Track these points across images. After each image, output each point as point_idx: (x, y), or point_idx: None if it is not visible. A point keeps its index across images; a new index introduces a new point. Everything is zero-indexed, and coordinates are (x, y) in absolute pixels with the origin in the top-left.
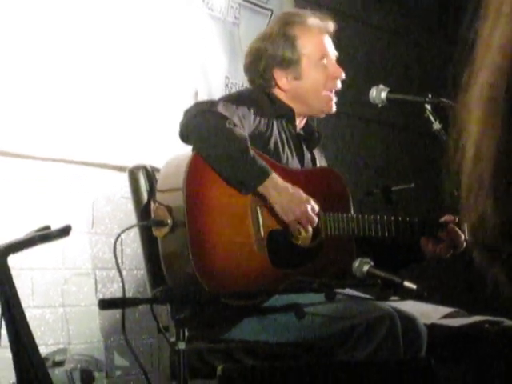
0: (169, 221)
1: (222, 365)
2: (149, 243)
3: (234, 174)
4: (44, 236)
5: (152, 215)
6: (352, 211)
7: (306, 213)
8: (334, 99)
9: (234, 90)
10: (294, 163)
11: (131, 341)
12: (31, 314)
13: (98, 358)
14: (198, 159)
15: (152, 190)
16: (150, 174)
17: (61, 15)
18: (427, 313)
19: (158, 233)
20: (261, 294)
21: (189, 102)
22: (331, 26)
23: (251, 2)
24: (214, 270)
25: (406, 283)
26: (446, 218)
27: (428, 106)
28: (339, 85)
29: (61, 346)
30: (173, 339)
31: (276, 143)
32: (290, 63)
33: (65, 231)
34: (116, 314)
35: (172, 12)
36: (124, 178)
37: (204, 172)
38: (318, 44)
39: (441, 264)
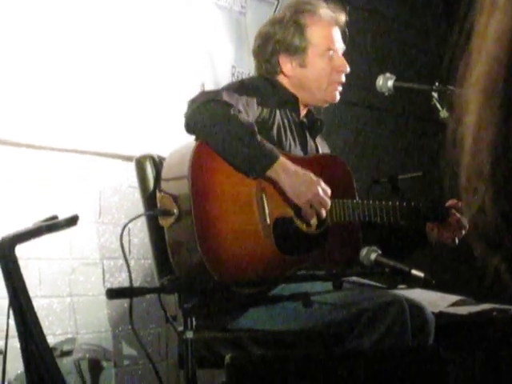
0: (175, 210)
1: (230, 354)
2: (156, 232)
3: (243, 158)
4: (51, 226)
5: (158, 205)
6: (357, 197)
7: (318, 195)
8: (339, 89)
9: (237, 79)
10: (297, 151)
11: (139, 330)
12: (39, 304)
13: (106, 348)
14: (202, 148)
15: (159, 180)
16: (157, 164)
17: (70, 4)
18: (435, 301)
19: (165, 222)
20: (267, 282)
21: (195, 92)
22: (342, 18)
23: None
24: (221, 259)
25: (414, 271)
26: (450, 202)
27: (435, 94)
28: (343, 78)
29: (69, 336)
30: (180, 328)
31: (279, 130)
32: (296, 50)
33: (72, 221)
34: (124, 303)
35: (179, 1)
36: (131, 167)
37: (209, 160)
38: (327, 35)
39: (448, 252)
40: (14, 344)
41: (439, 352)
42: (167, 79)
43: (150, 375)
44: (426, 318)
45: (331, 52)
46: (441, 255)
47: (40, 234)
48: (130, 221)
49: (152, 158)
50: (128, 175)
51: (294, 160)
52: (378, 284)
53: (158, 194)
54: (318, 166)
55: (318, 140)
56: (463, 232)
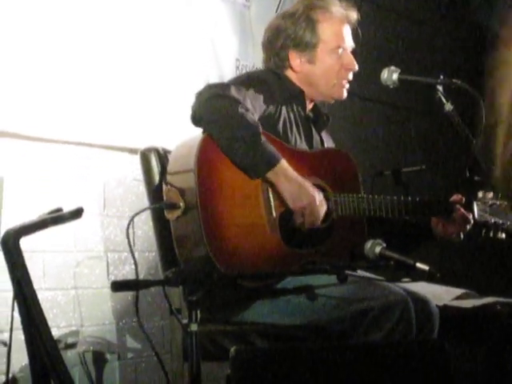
0: (181, 203)
1: (235, 347)
2: (161, 225)
3: (245, 158)
4: (56, 218)
5: (164, 198)
6: (362, 191)
7: (313, 204)
8: (346, 86)
9: (244, 72)
10: (303, 145)
11: (143, 323)
12: (43, 297)
13: (110, 340)
14: (208, 141)
15: (164, 172)
16: (162, 156)
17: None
18: (439, 294)
19: (170, 215)
20: (273, 276)
21: (199, 85)
22: (354, 16)
23: None
24: (227, 252)
25: (419, 265)
26: (454, 197)
27: (440, 88)
28: (351, 76)
29: (73, 329)
30: (185, 321)
31: (285, 125)
32: (306, 46)
33: (77, 214)
34: (128, 296)
35: None
36: (136, 160)
37: (215, 153)
38: (337, 32)
39: (452, 245)
40: (19, 336)
41: (444, 346)
42: (172, 72)
43: (154, 368)
44: (431, 311)
45: (341, 50)
46: (445, 249)
47: (45, 227)
48: (136, 214)
49: (157, 151)
50: (132, 168)
51: (300, 154)
52: (382, 278)
53: (164, 187)
54: (324, 159)
55: (324, 134)
56: (468, 227)
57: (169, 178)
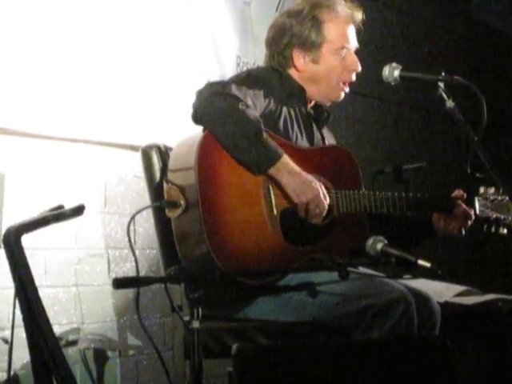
0: (182, 202)
1: (237, 344)
2: (162, 223)
3: (247, 155)
4: (57, 215)
5: (165, 196)
6: (363, 188)
7: (318, 197)
8: (346, 90)
9: (245, 69)
10: (304, 142)
11: (144, 320)
12: (44, 294)
13: (111, 338)
14: (209, 138)
15: (165, 170)
16: (163, 153)
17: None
18: (440, 291)
19: (171, 214)
20: (274, 273)
21: (200, 82)
22: (359, 16)
23: None
24: (228, 249)
25: (420, 261)
26: (456, 193)
27: (441, 84)
28: (354, 77)
29: (74, 326)
30: (187, 318)
31: (286, 122)
32: (311, 46)
33: (78, 211)
34: (129, 293)
35: None
36: (137, 157)
37: (216, 151)
38: (342, 33)
39: (454, 242)
40: (20, 334)
41: (446, 342)
42: (173, 69)
43: (155, 365)
44: (432, 308)
45: (345, 50)
46: (446, 245)
47: (46, 224)
48: (137, 213)
49: (158, 148)
50: (133, 165)
51: (301, 151)
52: (383, 274)
53: (165, 186)
54: (325, 157)
55: (325, 131)
56: (469, 222)
57: (169, 175)
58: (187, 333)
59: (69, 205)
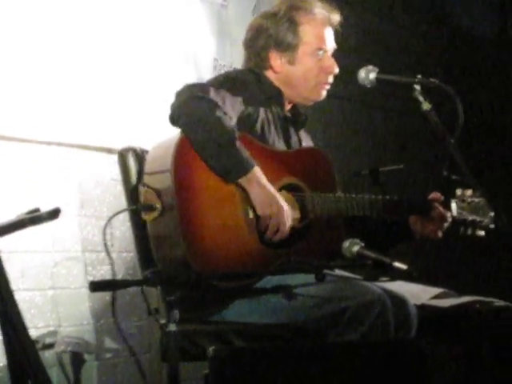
0: (158, 205)
1: (213, 346)
2: (138, 226)
3: (218, 162)
4: (33, 218)
5: (141, 199)
6: (338, 191)
7: (281, 215)
8: (326, 87)
9: (222, 72)
10: (281, 145)
11: (121, 323)
12: (21, 297)
13: (88, 341)
14: (185, 142)
15: (141, 173)
16: (140, 156)
17: (55, 7)
18: (417, 293)
19: (147, 217)
20: (251, 276)
21: (178, 85)
22: (336, 18)
23: None
24: (204, 252)
25: (396, 263)
26: (433, 195)
27: (417, 87)
28: (331, 79)
29: (51, 329)
30: (163, 321)
31: (263, 125)
32: (288, 47)
33: (54, 214)
34: (106, 296)
35: None
36: (113, 160)
37: (192, 154)
38: (319, 34)
39: (430, 244)
40: None
41: (422, 344)
42: (149, 72)
43: (132, 368)
44: (409, 310)
45: (321, 52)
46: (423, 247)
47: (22, 227)
48: (113, 216)
49: (134, 151)
50: (110, 168)
51: (277, 154)
52: (359, 277)
53: (141, 188)
54: (300, 159)
55: (302, 133)
56: (446, 225)
57: (146, 178)
58: (164, 336)
59: (45, 208)
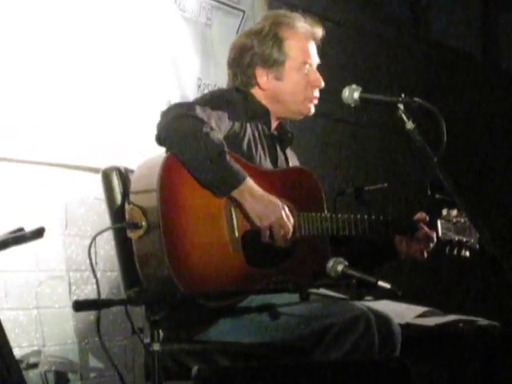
0: (143, 223)
1: (197, 366)
2: (123, 244)
3: (210, 178)
4: (18, 238)
5: (126, 217)
6: (325, 210)
7: (281, 220)
8: (314, 102)
9: (206, 91)
10: (267, 163)
11: (105, 342)
12: (5, 316)
13: (73, 360)
14: (171, 160)
15: (126, 192)
16: (124, 176)
17: (38, 28)
18: (401, 312)
19: (133, 234)
20: (235, 295)
21: (162, 104)
22: (319, 32)
23: (223, 3)
24: (189, 271)
25: (381, 283)
26: (418, 216)
27: (401, 106)
28: (317, 93)
29: (35, 348)
30: (147, 340)
31: (249, 144)
32: (274, 63)
33: (38, 233)
34: (90, 315)
35: (144, 13)
36: (97, 179)
37: (178, 173)
38: (303, 49)
39: (415, 263)
40: None
41: (406, 363)
42: (133, 91)
43: None
44: (393, 329)
45: (307, 66)
46: (408, 267)
47: (6, 247)
48: (98, 234)
49: (118, 170)
50: (94, 187)
51: (264, 173)
52: (344, 296)
53: (126, 206)
54: (287, 179)
55: (289, 152)
56: (431, 245)
57: (132, 197)
58: (148, 355)
59: (29, 227)
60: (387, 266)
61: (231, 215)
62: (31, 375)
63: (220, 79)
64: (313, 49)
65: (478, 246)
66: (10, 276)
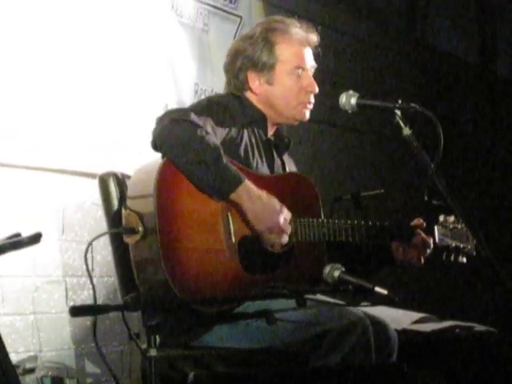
0: (140, 228)
1: (194, 371)
2: (119, 250)
3: (207, 181)
4: (14, 243)
5: (123, 222)
6: (322, 216)
7: (279, 222)
8: (309, 107)
9: (203, 97)
10: (264, 169)
11: (102, 348)
12: (1, 322)
13: (69, 366)
14: (168, 166)
15: (122, 197)
16: (121, 181)
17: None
18: (398, 318)
19: (130, 240)
20: (231, 301)
21: (159, 109)
22: (314, 38)
23: (220, 9)
24: (185, 277)
25: (377, 288)
26: (415, 222)
27: (398, 112)
28: (312, 98)
29: (31, 354)
30: (144, 346)
31: (246, 149)
32: (264, 67)
33: (35, 238)
34: (87, 321)
35: (141, 19)
36: (94, 184)
37: (174, 179)
38: (296, 54)
39: (412, 269)
40: None
41: (402, 369)
42: (130, 97)
43: None
44: (390, 335)
45: (300, 71)
46: (404, 272)
47: (3, 252)
48: (95, 239)
49: (115, 176)
50: (91, 192)
51: (260, 179)
52: (341, 302)
53: (123, 212)
54: (284, 184)
55: (286, 158)
56: (428, 251)
57: (128, 202)
58: (144, 360)
59: (26, 232)
60: (384, 272)
61: (228, 221)
62: (28, 380)
63: (217, 85)
64: (307, 53)
65: (474, 253)
66: (7, 281)
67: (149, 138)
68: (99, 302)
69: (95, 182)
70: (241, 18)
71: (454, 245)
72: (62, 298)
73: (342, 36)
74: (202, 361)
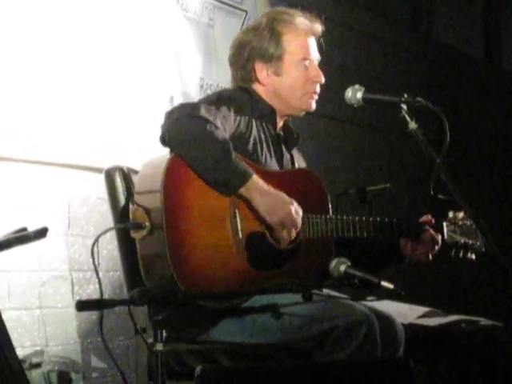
0: (147, 223)
1: (200, 366)
2: (126, 245)
3: (216, 176)
4: (21, 238)
5: (130, 217)
6: (330, 212)
7: (290, 215)
8: (315, 97)
9: (209, 91)
10: (273, 164)
11: (108, 342)
12: (8, 316)
13: (75, 360)
14: (176, 161)
15: (128, 191)
16: (127, 175)
17: (38, 27)
18: (404, 312)
19: (136, 235)
20: (237, 296)
21: (164, 104)
22: (318, 28)
23: (226, 3)
24: (192, 272)
25: (383, 283)
26: (424, 218)
27: (404, 106)
28: (318, 88)
29: (38, 348)
30: (150, 340)
31: (255, 144)
32: (272, 58)
33: (41, 233)
34: (93, 315)
35: (147, 13)
36: (100, 179)
37: (182, 174)
38: (303, 44)
39: (417, 263)
40: None
41: (409, 363)
42: (136, 91)
43: None
44: (396, 329)
45: (307, 62)
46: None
47: (9, 246)
48: (102, 234)
49: (121, 170)
50: (97, 187)
51: (269, 175)
52: (347, 296)
53: (131, 207)
54: (293, 180)
55: (295, 152)
56: (436, 248)
57: (136, 197)
58: (151, 355)
59: (32, 227)
60: (391, 268)
61: (235, 216)
62: (34, 375)
63: (222, 79)
64: (312, 44)
65: (484, 249)
66: (13, 276)
67: (155, 132)
68: (105, 296)
69: (101, 177)
70: (246, 12)
71: (462, 241)
72: (68, 293)
73: (347, 30)
74: (208, 355)
